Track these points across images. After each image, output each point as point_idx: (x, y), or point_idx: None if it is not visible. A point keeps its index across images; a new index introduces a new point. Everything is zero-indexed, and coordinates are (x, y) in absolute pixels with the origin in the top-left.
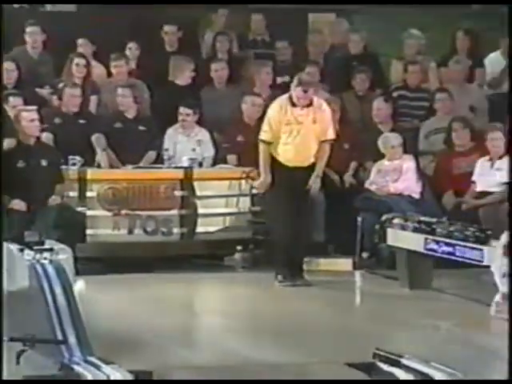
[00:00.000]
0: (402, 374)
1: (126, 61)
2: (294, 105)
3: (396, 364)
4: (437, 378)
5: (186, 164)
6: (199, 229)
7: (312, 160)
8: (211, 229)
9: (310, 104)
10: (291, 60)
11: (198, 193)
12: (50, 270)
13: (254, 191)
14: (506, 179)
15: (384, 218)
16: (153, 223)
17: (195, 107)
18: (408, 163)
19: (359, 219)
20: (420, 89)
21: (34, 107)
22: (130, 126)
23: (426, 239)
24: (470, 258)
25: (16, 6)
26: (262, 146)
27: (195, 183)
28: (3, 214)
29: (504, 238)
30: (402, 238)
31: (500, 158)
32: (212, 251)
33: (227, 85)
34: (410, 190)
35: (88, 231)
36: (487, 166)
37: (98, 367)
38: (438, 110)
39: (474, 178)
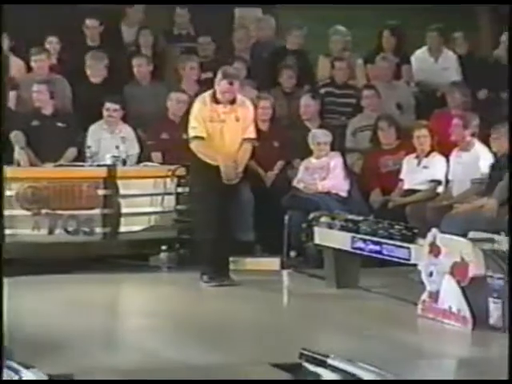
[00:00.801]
0: (328, 374)
1: (47, 55)
2: (217, 102)
3: (322, 364)
4: (364, 378)
5: (109, 162)
6: (123, 228)
7: (234, 161)
8: (135, 228)
9: (233, 101)
10: (214, 56)
11: (122, 191)
12: None
13: (180, 190)
14: (432, 177)
15: (311, 216)
16: (74, 223)
17: (122, 102)
18: (335, 161)
19: (286, 218)
20: (347, 86)
21: None
22: (47, 123)
23: (353, 238)
24: (396, 257)
25: None
26: (195, 143)
27: (119, 182)
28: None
29: (430, 236)
30: (329, 237)
31: (426, 155)
32: (136, 251)
33: (151, 81)
34: (337, 188)
35: (7, 231)
36: (414, 164)
37: (16, 371)
38: (364, 107)
39: (401, 175)
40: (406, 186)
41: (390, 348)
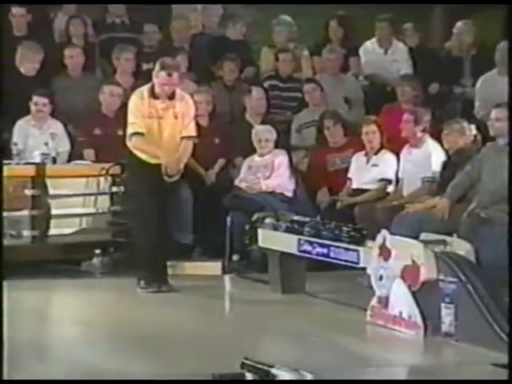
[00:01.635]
0: None
1: None
2: (155, 97)
3: (265, 374)
4: None
5: (37, 160)
6: (53, 231)
7: (176, 156)
8: (66, 231)
9: (172, 96)
10: (159, 46)
11: (52, 191)
12: None
13: (115, 189)
14: (382, 175)
15: (255, 217)
16: None
17: (51, 96)
18: (280, 159)
19: (228, 219)
20: (292, 79)
21: None
22: None
23: (299, 240)
24: (344, 260)
25: None
26: (135, 140)
27: (48, 181)
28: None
29: (380, 238)
30: (274, 239)
31: (376, 153)
32: (68, 255)
33: (83, 73)
34: (282, 188)
35: None
36: (363, 162)
37: None
38: (309, 102)
39: (349, 174)
40: (355, 186)
41: (337, 356)
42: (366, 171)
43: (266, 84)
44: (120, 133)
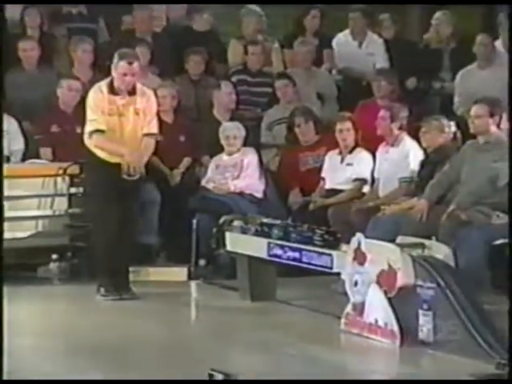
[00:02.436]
0: None
1: None
2: (114, 92)
3: None
4: None
5: None
6: (6, 235)
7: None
8: (20, 234)
9: (133, 92)
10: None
11: (5, 192)
12: None
13: (73, 190)
14: (357, 175)
15: (222, 220)
16: None
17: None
18: (249, 158)
19: (194, 222)
20: (262, 73)
21: None
22: None
23: (269, 244)
24: (317, 265)
25: None
26: (96, 138)
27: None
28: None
29: (354, 241)
30: (243, 243)
31: (350, 151)
32: (22, 261)
33: (39, 66)
34: (251, 188)
35: None
36: (337, 161)
37: None
38: (280, 98)
39: (322, 174)
40: (328, 186)
41: (309, 367)
42: (340, 171)
43: (234, 78)
44: (79, 130)
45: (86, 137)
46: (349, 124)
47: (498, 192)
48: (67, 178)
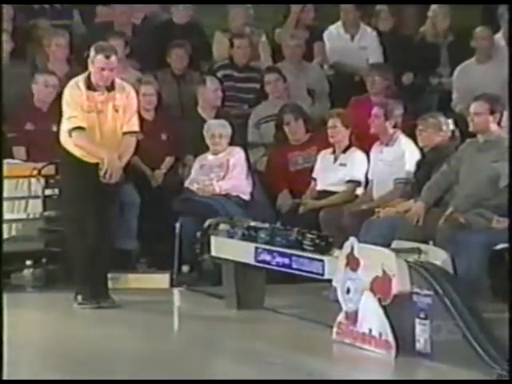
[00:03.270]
0: None
1: None
2: (92, 88)
3: None
4: None
5: None
6: None
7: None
8: None
9: (112, 87)
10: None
11: None
12: None
13: (48, 192)
14: (350, 176)
15: (207, 223)
16: None
17: None
18: (235, 157)
19: (177, 225)
20: (249, 68)
21: None
22: None
23: (257, 249)
24: (308, 271)
25: None
26: (76, 136)
27: None
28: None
29: (347, 246)
30: (229, 248)
31: (344, 151)
32: None
33: (12, 61)
34: (238, 190)
35: None
36: (329, 161)
37: None
38: (269, 94)
39: (314, 174)
40: (320, 187)
41: (299, 379)
42: (333, 171)
43: (219, 74)
44: (55, 128)
45: (63, 135)
46: (337, 121)
47: (498, 194)
48: (42, 179)
